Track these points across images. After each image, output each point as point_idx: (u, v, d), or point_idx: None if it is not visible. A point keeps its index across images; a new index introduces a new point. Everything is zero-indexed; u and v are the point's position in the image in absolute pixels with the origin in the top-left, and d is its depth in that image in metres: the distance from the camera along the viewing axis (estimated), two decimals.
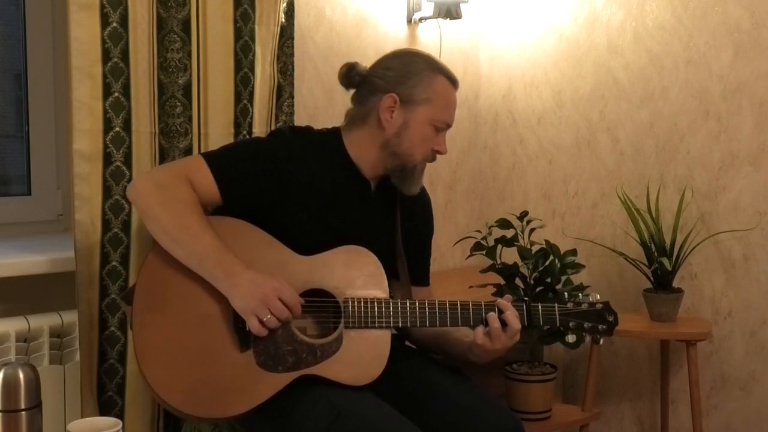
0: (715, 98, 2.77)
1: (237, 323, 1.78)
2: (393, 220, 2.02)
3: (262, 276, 1.76)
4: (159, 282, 1.80)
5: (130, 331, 1.94)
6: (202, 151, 2.21)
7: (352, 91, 2.03)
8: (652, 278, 2.70)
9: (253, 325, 1.74)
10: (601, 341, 1.99)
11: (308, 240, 1.87)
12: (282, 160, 1.89)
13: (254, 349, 1.78)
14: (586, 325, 1.91)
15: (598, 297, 1.96)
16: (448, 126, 1.98)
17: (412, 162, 1.95)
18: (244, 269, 1.76)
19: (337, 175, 1.95)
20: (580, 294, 2.01)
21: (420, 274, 2.11)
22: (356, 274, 1.86)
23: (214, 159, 1.88)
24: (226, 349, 1.77)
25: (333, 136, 2.00)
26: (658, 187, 2.86)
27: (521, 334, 1.89)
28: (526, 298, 1.99)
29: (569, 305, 1.92)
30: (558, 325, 1.91)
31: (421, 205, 2.12)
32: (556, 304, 1.92)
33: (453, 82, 1.99)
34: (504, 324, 1.84)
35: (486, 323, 1.85)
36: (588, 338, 1.95)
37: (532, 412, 2.63)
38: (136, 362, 1.77)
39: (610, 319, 1.92)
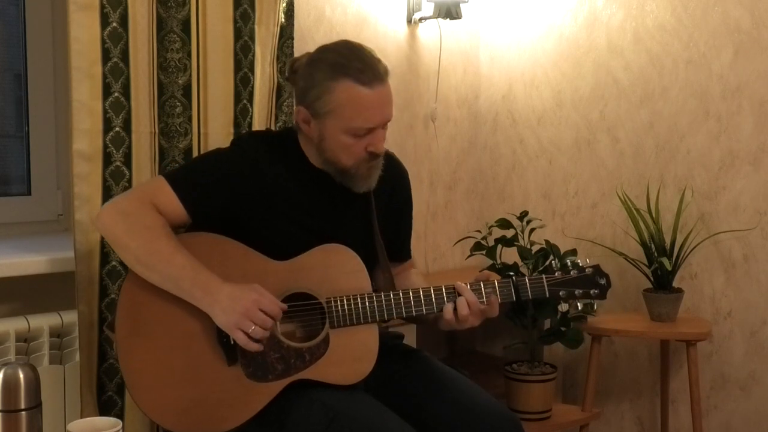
0: (715, 98, 2.77)
1: (221, 338, 1.77)
2: (366, 207, 1.97)
3: (240, 288, 1.73)
4: (138, 306, 1.78)
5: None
6: (201, 151, 2.21)
7: None
8: (652, 278, 2.70)
9: (239, 339, 1.72)
10: (596, 307, 1.93)
11: (284, 244, 1.85)
12: (246, 168, 1.86)
13: (242, 362, 1.77)
14: (576, 291, 1.86)
15: (588, 261, 1.91)
16: (370, 130, 1.81)
17: (345, 166, 1.86)
18: (222, 284, 1.73)
19: (301, 175, 1.91)
20: (568, 261, 1.94)
21: (398, 250, 2.08)
22: (336, 272, 1.84)
23: (176, 178, 1.85)
24: (213, 365, 1.77)
25: (290, 137, 1.95)
26: (658, 187, 2.86)
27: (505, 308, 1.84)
28: (511, 273, 1.94)
29: (557, 274, 1.87)
30: (547, 295, 1.86)
31: (395, 179, 2.04)
32: (543, 275, 1.88)
33: (363, 81, 1.78)
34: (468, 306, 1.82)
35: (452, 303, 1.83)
36: (581, 305, 1.90)
37: (532, 412, 2.63)
38: (126, 388, 1.77)
39: (602, 281, 1.88)
